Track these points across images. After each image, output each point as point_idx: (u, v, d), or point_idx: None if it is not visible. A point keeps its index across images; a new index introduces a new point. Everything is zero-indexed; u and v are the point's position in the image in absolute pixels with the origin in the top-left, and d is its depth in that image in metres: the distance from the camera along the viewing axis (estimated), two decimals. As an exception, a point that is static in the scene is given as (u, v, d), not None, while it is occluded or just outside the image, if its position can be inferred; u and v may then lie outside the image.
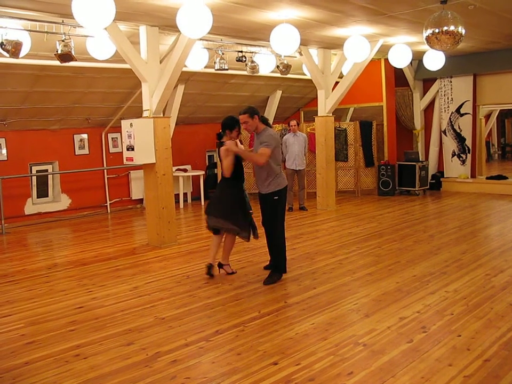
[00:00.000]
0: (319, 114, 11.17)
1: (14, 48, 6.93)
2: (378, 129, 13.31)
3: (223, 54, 9.70)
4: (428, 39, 6.81)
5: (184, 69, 8.54)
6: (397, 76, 13.42)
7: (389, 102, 13.34)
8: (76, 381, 3.83)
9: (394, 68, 12.03)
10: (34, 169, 10.90)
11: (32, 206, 10.74)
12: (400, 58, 9.68)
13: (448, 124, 13.49)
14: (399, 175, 13.12)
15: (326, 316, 4.99)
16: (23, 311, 5.44)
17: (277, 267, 6.23)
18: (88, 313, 5.27)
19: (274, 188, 6.02)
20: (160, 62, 8.08)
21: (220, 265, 6.47)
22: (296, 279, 6.21)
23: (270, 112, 14.04)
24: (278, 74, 11.22)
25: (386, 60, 11.04)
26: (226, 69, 9.85)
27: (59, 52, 7.46)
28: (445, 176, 13.74)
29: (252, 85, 12.75)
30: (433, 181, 13.69)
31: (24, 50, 7.13)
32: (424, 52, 9.93)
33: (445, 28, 6.57)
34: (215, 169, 13.36)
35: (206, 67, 9.86)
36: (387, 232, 8.78)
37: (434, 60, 9.71)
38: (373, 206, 11.60)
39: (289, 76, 11.37)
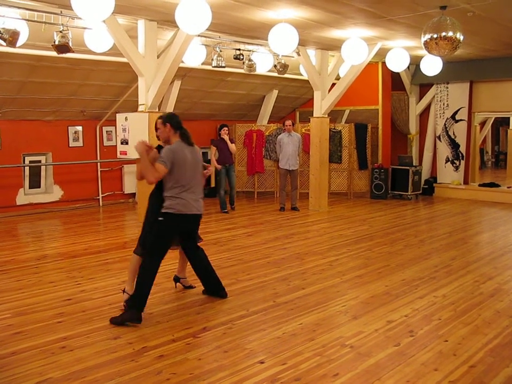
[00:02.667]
0: (314, 115, 11.19)
1: (11, 37, 6.90)
2: (373, 132, 13.34)
3: (220, 51, 9.70)
4: (426, 44, 6.84)
5: (181, 65, 8.54)
6: (394, 80, 13.45)
7: (385, 106, 13.36)
8: (61, 372, 3.81)
9: (391, 71, 12.06)
10: (28, 159, 10.85)
11: (24, 197, 10.70)
12: (398, 62, 9.70)
13: (443, 129, 13.54)
14: (392, 179, 13.15)
15: (314, 316, 5.00)
16: (11, 301, 5.41)
17: (131, 301, 4.93)
18: (76, 306, 5.25)
19: (167, 209, 4.94)
20: (158, 57, 8.08)
21: (177, 279, 5.85)
22: (286, 279, 6.21)
23: (266, 112, 14.05)
24: (275, 74, 11.23)
25: (384, 64, 11.05)
26: (224, 66, 9.84)
27: (56, 42, 7.43)
28: (437, 182, 13.79)
29: (248, 83, 12.75)
30: (426, 186, 13.74)
31: (22, 40, 7.11)
32: (421, 57, 9.96)
33: (444, 34, 6.61)
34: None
35: (203, 64, 9.86)
36: (378, 235, 8.80)
37: (432, 65, 9.75)
38: (365, 209, 11.63)
39: (286, 75, 11.38)
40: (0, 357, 4.08)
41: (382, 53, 10.37)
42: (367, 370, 3.87)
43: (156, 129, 5.15)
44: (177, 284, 5.82)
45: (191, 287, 5.79)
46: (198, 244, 5.60)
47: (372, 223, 9.86)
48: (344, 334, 4.56)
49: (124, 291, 5.24)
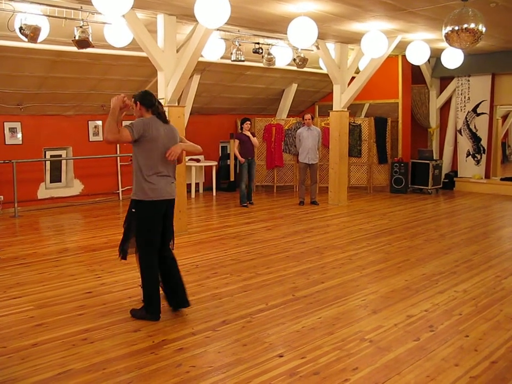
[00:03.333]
0: (334, 109, 11.13)
1: (33, 33, 6.96)
2: (393, 126, 13.24)
3: (239, 45, 9.68)
4: (447, 36, 6.74)
5: (201, 59, 8.53)
6: (414, 73, 13.32)
7: (405, 99, 13.24)
8: (82, 364, 3.86)
9: (412, 64, 11.95)
10: (48, 154, 10.97)
11: (45, 191, 10.81)
12: (418, 55, 9.58)
13: (464, 123, 13.38)
14: (412, 173, 13.05)
15: (333, 310, 4.99)
16: (33, 293, 5.48)
17: (144, 302, 4.82)
18: (97, 299, 5.30)
19: (137, 196, 4.68)
20: (177, 51, 8.07)
21: None
22: (305, 273, 6.20)
23: (285, 106, 14.02)
24: (294, 68, 11.18)
25: (404, 57, 10.96)
26: (243, 60, 9.82)
27: (77, 38, 7.48)
28: (458, 176, 13.64)
29: (267, 77, 12.72)
30: (447, 180, 13.60)
31: (42, 36, 7.16)
32: (442, 50, 9.84)
33: (465, 26, 6.49)
34: (228, 160, 13.37)
35: (222, 58, 9.84)
36: (398, 229, 8.74)
37: (453, 58, 9.61)
38: (384, 203, 11.56)
39: (305, 69, 11.33)
40: (22, 348, 4.14)
41: (402, 45, 10.26)
42: (386, 365, 3.85)
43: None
44: None
45: None
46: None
47: (392, 217, 9.80)
48: (363, 328, 4.54)
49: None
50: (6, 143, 10.12)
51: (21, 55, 8.66)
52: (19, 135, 10.29)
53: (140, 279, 4.90)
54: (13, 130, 10.22)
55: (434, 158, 13.31)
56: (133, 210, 4.75)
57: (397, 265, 6.59)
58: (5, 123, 10.10)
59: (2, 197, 10.01)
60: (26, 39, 7.04)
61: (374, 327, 4.58)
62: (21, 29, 6.94)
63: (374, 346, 4.18)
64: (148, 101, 4.77)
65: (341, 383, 3.59)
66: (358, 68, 11.26)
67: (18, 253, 7.19)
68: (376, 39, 8.86)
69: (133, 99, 4.79)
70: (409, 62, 10.36)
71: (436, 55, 11.93)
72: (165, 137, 4.71)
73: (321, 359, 3.94)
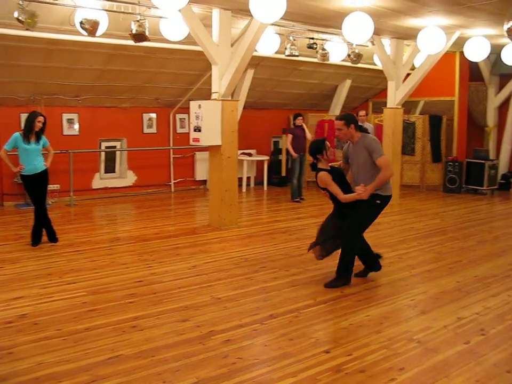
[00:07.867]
0: (388, 106, 10.96)
1: (92, 27, 7.15)
2: (448, 124, 12.94)
3: (294, 40, 9.66)
4: (510, 32, 6.53)
5: (255, 54, 8.55)
6: (472, 70, 12.97)
7: (462, 97, 12.92)
8: (131, 350, 3.96)
9: (469, 61, 11.63)
10: (104, 145, 11.24)
11: (99, 181, 11.09)
12: (477, 52, 9.32)
13: (523, 122, 12.94)
14: (466, 172, 12.71)
15: (382, 309, 4.94)
16: (86, 280, 5.66)
17: (341, 271, 5.62)
18: (147, 288, 5.42)
19: (385, 191, 5.46)
20: (232, 46, 8.12)
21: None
22: (354, 270, 6.14)
23: (338, 102, 13.89)
24: (349, 63, 11.07)
25: (462, 53, 10.68)
26: (297, 55, 9.80)
27: (133, 31, 7.64)
28: (516, 177, 13.21)
29: (321, 72, 12.64)
30: (503, 181, 13.18)
31: (101, 30, 7.34)
32: (503, 46, 9.54)
33: (529, 21, 6.29)
34: (280, 155, 13.38)
35: (276, 52, 9.85)
36: (450, 230, 8.56)
37: (514, 55, 9.30)
38: (437, 203, 11.33)
39: (359, 65, 11.21)
40: (76, 331, 4.29)
41: (460, 42, 9.98)
42: (434, 367, 3.79)
43: (337, 130, 5.49)
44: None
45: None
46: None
47: (444, 217, 9.60)
48: (411, 329, 4.48)
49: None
50: (64, 133, 10.43)
51: (80, 48, 8.90)
52: (76, 126, 10.59)
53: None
54: (70, 121, 10.52)
55: (490, 157, 12.94)
56: (378, 201, 5.43)
57: (448, 266, 6.46)
58: (63, 114, 10.41)
59: (59, 185, 10.32)
60: (85, 33, 7.23)
61: (423, 327, 4.51)
62: (81, 23, 7.13)
63: (422, 347, 4.12)
64: (356, 122, 5.50)
65: (386, 382, 3.56)
66: (413, 65, 11.06)
67: (73, 240, 7.42)
68: (433, 35, 8.65)
69: (342, 121, 5.40)
70: (467, 59, 10.09)
71: (496, 52, 11.54)
72: None
73: (368, 357, 3.91)
